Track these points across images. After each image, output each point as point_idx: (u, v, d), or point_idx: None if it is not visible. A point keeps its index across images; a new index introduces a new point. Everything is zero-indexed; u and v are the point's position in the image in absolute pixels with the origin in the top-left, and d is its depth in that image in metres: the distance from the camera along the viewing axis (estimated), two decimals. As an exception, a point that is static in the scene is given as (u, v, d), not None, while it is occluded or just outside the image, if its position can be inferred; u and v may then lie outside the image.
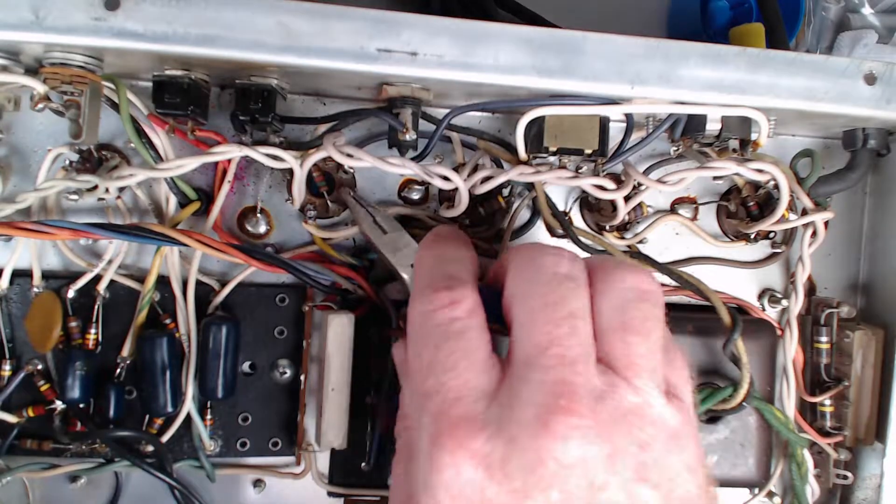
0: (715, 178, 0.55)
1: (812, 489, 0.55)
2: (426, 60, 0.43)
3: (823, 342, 0.55)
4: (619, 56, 0.45)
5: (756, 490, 0.55)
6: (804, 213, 0.52)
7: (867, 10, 0.79)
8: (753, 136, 0.49)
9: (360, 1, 0.43)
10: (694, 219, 0.56)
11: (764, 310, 0.56)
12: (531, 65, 0.44)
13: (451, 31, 0.43)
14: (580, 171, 0.50)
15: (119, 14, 0.40)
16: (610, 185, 0.50)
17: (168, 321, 0.49)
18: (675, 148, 0.51)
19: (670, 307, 0.55)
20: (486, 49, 0.43)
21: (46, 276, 0.48)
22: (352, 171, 0.52)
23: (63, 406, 0.48)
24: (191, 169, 0.46)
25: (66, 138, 0.45)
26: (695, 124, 0.48)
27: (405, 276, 0.45)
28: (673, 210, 0.56)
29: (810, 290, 0.57)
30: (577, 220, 0.55)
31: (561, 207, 0.55)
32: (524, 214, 0.53)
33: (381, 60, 0.43)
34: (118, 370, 0.49)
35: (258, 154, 0.46)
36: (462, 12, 0.64)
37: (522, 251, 0.36)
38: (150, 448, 0.49)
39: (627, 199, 0.51)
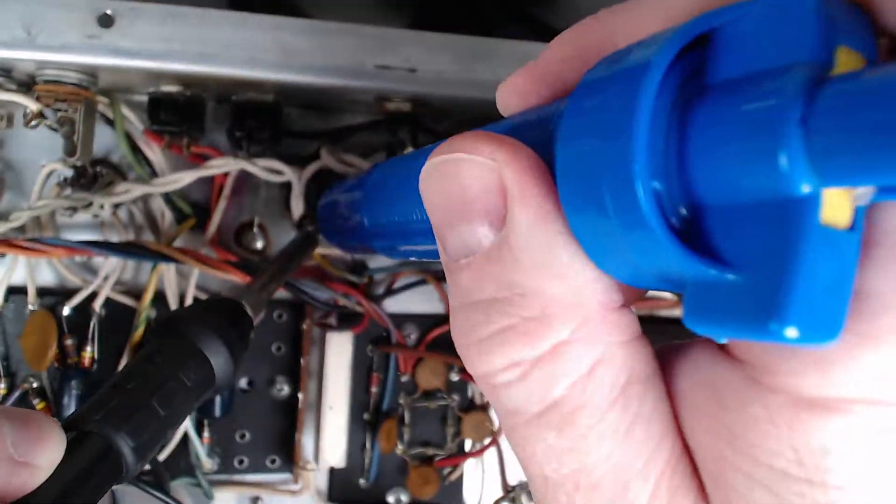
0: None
1: None
2: (425, 77, 0.42)
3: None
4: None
5: None
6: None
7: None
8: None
9: (358, 17, 0.43)
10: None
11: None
12: (532, 81, 0.43)
13: (451, 47, 0.43)
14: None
15: (113, 31, 0.40)
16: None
17: (164, 338, 0.49)
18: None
19: (672, 322, 0.55)
20: (485, 65, 0.43)
21: (41, 293, 0.48)
22: (350, 185, 0.51)
23: (59, 425, 0.47)
24: (186, 184, 0.46)
25: (60, 153, 0.44)
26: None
27: None
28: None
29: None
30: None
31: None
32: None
33: (379, 77, 0.42)
34: (114, 388, 0.48)
35: (255, 168, 0.46)
36: (462, 19, 0.64)
37: None
38: (147, 466, 0.49)
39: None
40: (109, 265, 0.48)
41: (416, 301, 0.53)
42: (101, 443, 0.27)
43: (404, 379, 0.52)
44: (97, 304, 0.48)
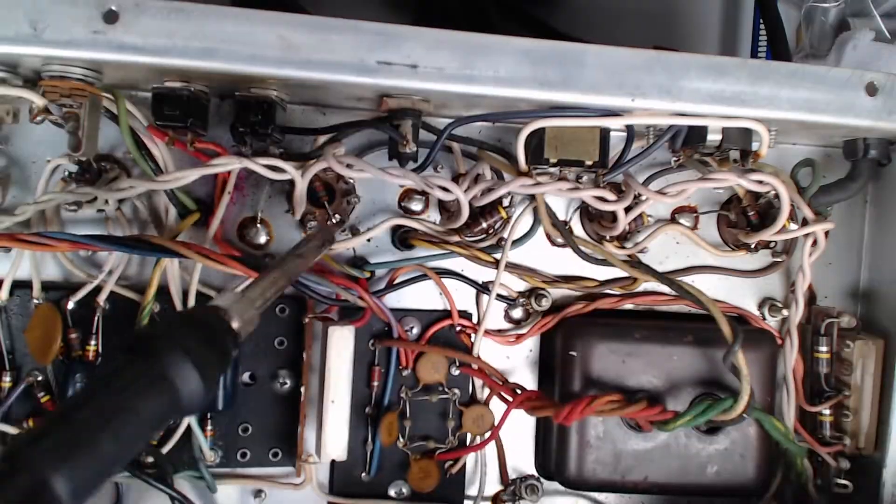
0: (715, 187, 0.55)
1: (812, 498, 0.55)
2: (426, 73, 0.43)
3: (823, 352, 0.54)
4: (620, 68, 0.45)
5: (756, 500, 0.55)
6: (804, 223, 0.51)
7: (870, 14, 0.79)
8: (754, 147, 0.49)
9: (360, 13, 0.43)
10: (694, 228, 0.56)
11: (764, 319, 0.56)
12: (531, 77, 0.44)
13: (451, 43, 0.43)
14: (581, 180, 0.50)
15: (118, 27, 0.40)
16: (610, 196, 0.50)
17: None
18: (676, 158, 0.51)
19: (670, 317, 0.56)
20: (486, 61, 0.43)
21: (46, 287, 0.48)
22: (352, 181, 0.52)
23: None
24: (190, 181, 0.46)
25: (65, 149, 0.45)
26: (695, 135, 0.48)
27: None
28: (673, 219, 0.55)
29: (810, 299, 0.57)
30: (578, 229, 0.55)
31: (561, 216, 0.55)
32: (525, 222, 0.53)
33: (381, 73, 0.42)
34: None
35: (258, 166, 0.46)
36: (463, 19, 0.64)
37: None
38: (151, 459, 0.49)
39: (628, 209, 0.51)
40: (114, 260, 0.48)
41: (418, 296, 0.53)
42: (32, 484, 0.25)
43: (405, 373, 0.53)
44: (101, 299, 0.48)
